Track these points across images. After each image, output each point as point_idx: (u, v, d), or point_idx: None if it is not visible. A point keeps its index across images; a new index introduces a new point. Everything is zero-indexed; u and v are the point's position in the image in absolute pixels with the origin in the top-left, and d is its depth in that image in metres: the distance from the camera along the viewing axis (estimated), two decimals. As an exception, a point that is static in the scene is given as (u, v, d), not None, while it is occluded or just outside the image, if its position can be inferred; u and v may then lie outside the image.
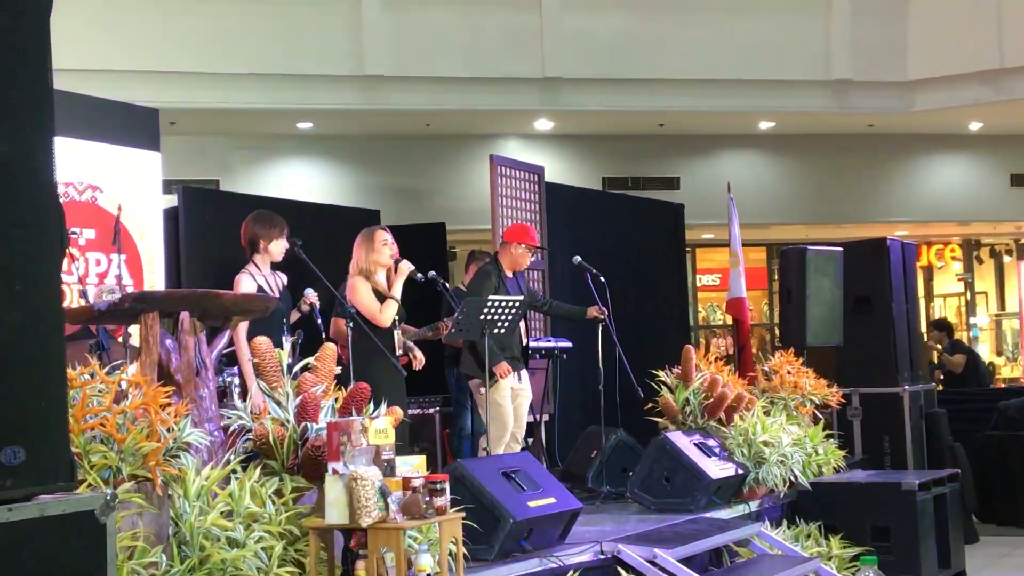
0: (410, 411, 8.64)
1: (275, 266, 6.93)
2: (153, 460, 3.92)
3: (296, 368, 4.91)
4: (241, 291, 6.62)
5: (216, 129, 13.68)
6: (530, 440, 8.65)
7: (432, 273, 7.61)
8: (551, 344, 8.81)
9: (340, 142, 14.40)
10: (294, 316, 6.98)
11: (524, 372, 7.76)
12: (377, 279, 7.07)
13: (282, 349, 4.92)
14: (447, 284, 7.70)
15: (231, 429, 4.76)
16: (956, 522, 8.16)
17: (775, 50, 13.80)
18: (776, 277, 15.39)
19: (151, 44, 11.96)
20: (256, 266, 6.82)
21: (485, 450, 7.19)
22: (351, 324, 6.61)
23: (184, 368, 4.78)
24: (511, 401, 7.57)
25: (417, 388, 8.93)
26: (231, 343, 6.18)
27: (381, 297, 7.01)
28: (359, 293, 6.97)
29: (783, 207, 15.96)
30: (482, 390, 7.36)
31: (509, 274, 7.80)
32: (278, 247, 6.84)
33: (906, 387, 9.96)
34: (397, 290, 7.05)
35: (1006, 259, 19.03)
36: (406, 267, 7.12)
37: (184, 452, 4.16)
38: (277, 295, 6.74)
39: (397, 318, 7.05)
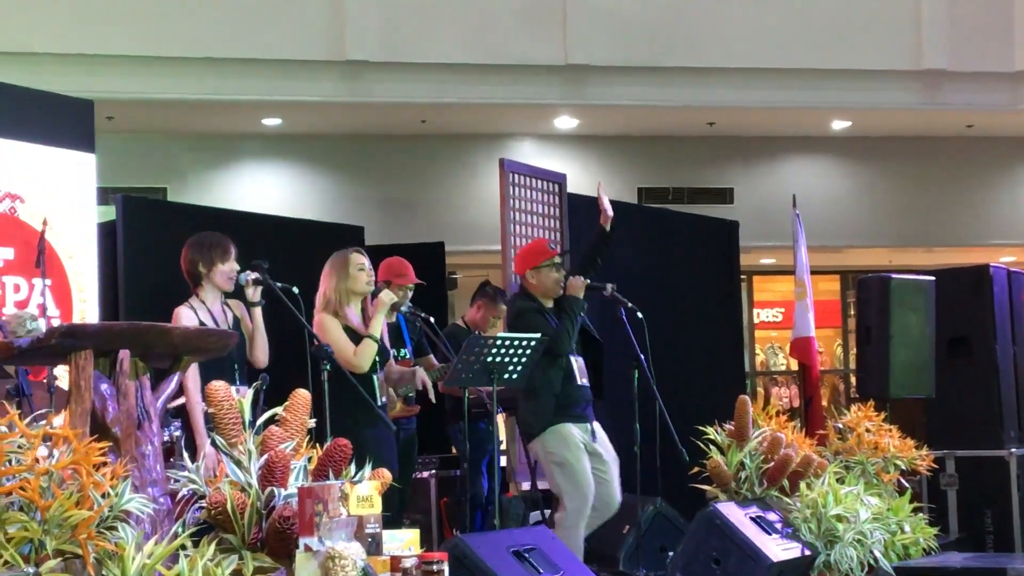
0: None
1: (231, 296, 6.96)
2: (84, 532, 3.92)
3: (260, 420, 4.91)
4: None
5: (163, 126, 13.73)
6: (546, 512, 8.64)
7: (408, 305, 7.63)
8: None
9: (315, 142, 14.44)
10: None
11: (598, 426, 7.77)
12: (348, 313, 7.13)
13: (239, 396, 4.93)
14: (430, 318, 7.71)
15: (180, 495, 4.76)
16: (1076, 618, 8.12)
17: (853, 33, 13.82)
18: (852, 312, 15.36)
19: (84, 21, 12.02)
20: (199, 299, 6.86)
21: (569, 528, 7.32)
22: (327, 366, 6.64)
23: (123, 419, 4.79)
24: (587, 461, 7.58)
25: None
26: (181, 390, 6.20)
27: (356, 337, 7.05)
28: (328, 333, 7.03)
29: (861, 226, 15.95)
30: (549, 451, 7.42)
31: (549, 304, 7.83)
32: (220, 274, 6.86)
33: (1013, 449, 9.92)
34: (376, 327, 7.11)
35: None
36: (387, 298, 7.20)
37: (122, 523, 4.15)
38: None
39: (378, 360, 7.09)
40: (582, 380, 7.73)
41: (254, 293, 6.89)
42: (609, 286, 8.05)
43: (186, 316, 6.78)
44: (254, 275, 6.86)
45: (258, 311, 6.95)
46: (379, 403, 7.05)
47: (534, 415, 7.61)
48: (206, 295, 6.88)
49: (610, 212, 7.95)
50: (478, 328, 9.41)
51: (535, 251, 7.94)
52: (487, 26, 13.12)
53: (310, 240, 9.72)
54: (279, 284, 6.78)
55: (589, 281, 7.86)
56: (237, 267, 6.90)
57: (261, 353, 7.00)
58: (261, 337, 6.99)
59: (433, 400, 7.92)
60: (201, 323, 6.73)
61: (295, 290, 6.77)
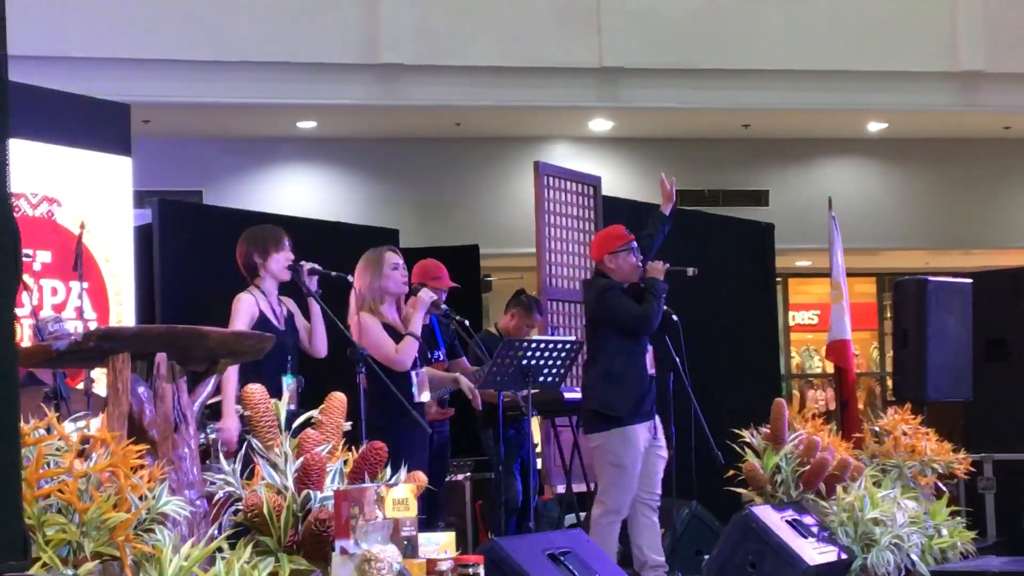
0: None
1: (284, 291, 7.00)
2: (122, 535, 3.94)
3: (296, 423, 4.93)
4: (240, 314, 6.71)
5: (199, 129, 13.77)
6: (582, 515, 8.63)
7: (444, 307, 7.63)
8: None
9: (350, 145, 14.46)
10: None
11: (658, 419, 7.75)
12: (386, 310, 7.12)
13: (281, 394, 4.94)
14: (465, 321, 7.71)
15: (216, 497, 4.78)
16: (1115, 623, 8.07)
17: (888, 34, 13.77)
18: (889, 315, 15.29)
19: (120, 25, 12.08)
20: (260, 290, 6.88)
21: (604, 526, 7.35)
22: (363, 369, 6.64)
23: (160, 422, 4.81)
24: (639, 467, 7.58)
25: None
26: (217, 391, 6.22)
27: (395, 334, 7.05)
28: (369, 332, 7.01)
29: (897, 228, 15.89)
30: (609, 451, 7.42)
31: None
32: (276, 263, 6.89)
33: (1052, 453, 9.88)
34: (416, 325, 7.09)
35: None
36: (427, 296, 7.18)
37: (160, 525, 4.17)
38: (282, 327, 6.79)
39: (417, 358, 7.10)
40: (651, 369, 7.70)
41: (311, 282, 6.91)
42: (690, 269, 8.01)
43: (246, 302, 6.79)
44: (310, 265, 6.90)
45: (315, 300, 6.97)
46: (416, 400, 7.03)
47: (620, 398, 7.47)
48: (264, 285, 6.90)
49: (673, 195, 7.96)
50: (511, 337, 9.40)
51: (613, 236, 7.88)
52: (521, 29, 13.12)
53: (346, 243, 9.73)
54: (334, 273, 6.85)
55: (669, 265, 7.82)
56: (292, 256, 6.92)
57: (320, 343, 7.03)
58: (320, 327, 7.01)
59: (479, 407, 7.91)
60: (261, 313, 6.77)
61: (350, 278, 6.85)
